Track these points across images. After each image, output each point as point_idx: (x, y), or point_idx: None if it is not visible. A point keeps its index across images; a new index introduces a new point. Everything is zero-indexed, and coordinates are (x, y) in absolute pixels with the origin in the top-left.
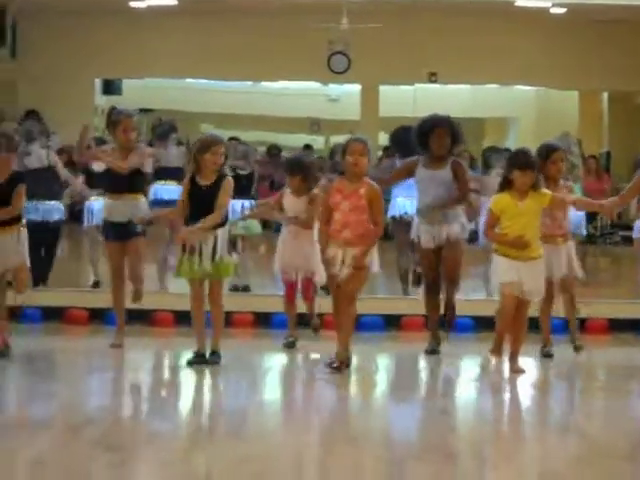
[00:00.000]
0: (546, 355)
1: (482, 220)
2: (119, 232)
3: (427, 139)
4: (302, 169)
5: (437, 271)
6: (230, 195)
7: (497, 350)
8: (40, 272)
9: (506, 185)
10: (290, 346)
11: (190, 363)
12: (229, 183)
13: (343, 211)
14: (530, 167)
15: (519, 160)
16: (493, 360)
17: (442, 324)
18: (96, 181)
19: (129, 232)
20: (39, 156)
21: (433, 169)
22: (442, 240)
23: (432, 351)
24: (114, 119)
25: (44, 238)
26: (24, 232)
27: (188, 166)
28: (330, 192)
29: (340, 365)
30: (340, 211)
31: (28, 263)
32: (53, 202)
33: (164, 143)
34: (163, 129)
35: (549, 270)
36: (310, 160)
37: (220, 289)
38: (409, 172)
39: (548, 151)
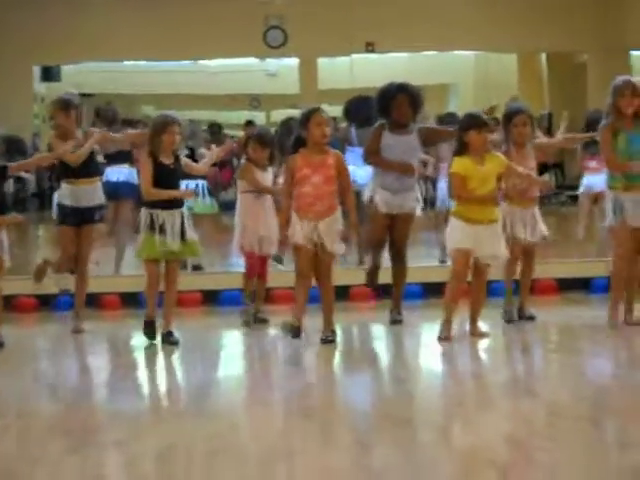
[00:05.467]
0: (529, 317)
1: (440, 186)
2: (77, 217)
3: (389, 107)
4: (270, 143)
5: (385, 236)
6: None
7: (448, 320)
8: None
9: (462, 148)
10: (248, 324)
11: (149, 335)
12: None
13: (315, 184)
14: (485, 126)
15: (474, 121)
16: (440, 331)
17: (392, 321)
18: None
19: (87, 218)
20: None
21: (399, 134)
22: (396, 209)
23: (371, 275)
24: (52, 106)
25: None
26: None
27: (144, 149)
28: (294, 166)
29: (332, 336)
30: (311, 184)
31: None
32: None
33: (112, 129)
34: (110, 115)
35: (519, 232)
36: (270, 136)
37: (178, 270)
38: (381, 137)
39: (511, 114)
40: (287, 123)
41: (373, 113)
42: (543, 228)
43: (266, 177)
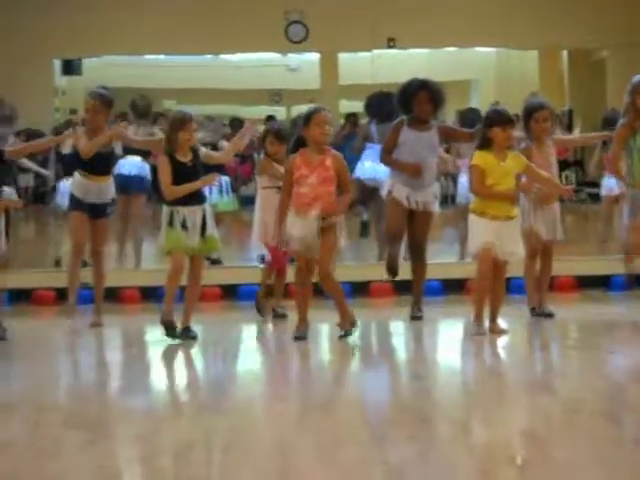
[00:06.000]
0: (548, 314)
1: (461, 181)
2: (89, 210)
3: (410, 103)
4: (286, 138)
5: (402, 227)
6: None
7: (479, 316)
8: None
9: (485, 143)
10: (282, 316)
11: (171, 336)
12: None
13: (312, 184)
14: (510, 123)
15: (499, 117)
16: (475, 328)
17: (412, 317)
18: (68, 162)
19: (99, 213)
20: (9, 142)
21: (419, 130)
22: (415, 205)
23: (392, 270)
24: (85, 101)
25: None
26: None
27: (161, 145)
28: (292, 167)
29: (351, 328)
30: (308, 185)
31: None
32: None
33: (142, 121)
34: (142, 109)
35: (539, 229)
36: (288, 131)
37: (203, 265)
38: (399, 133)
39: (532, 109)
40: (295, 122)
41: (394, 109)
42: (560, 229)
43: (281, 170)
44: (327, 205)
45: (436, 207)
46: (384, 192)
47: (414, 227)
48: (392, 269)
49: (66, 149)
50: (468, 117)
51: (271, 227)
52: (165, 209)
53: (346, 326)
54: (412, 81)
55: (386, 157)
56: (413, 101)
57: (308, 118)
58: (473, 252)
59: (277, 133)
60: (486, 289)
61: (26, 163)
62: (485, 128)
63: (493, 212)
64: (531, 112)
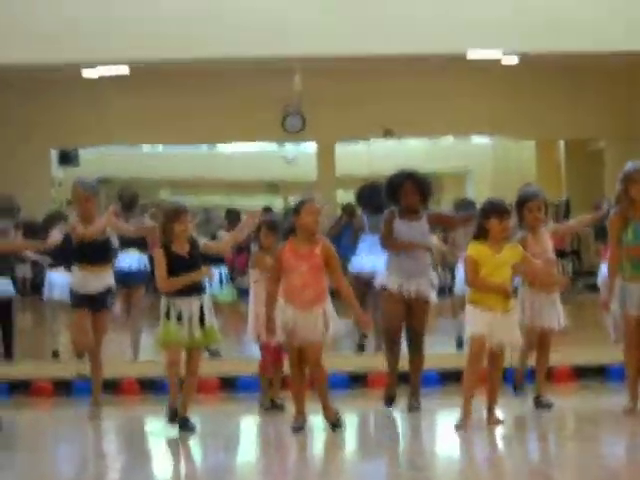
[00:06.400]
0: (546, 405)
1: (459, 273)
2: (89, 303)
3: (397, 194)
4: (278, 229)
5: (400, 323)
6: None
7: (466, 408)
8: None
9: (481, 234)
10: (268, 409)
11: (178, 424)
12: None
13: (301, 272)
14: (507, 214)
15: (495, 208)
16: (457, 421)
17: (409, 408)
18: (56, 253)
19: (99, 304)
20: (10, 234)
21: (409, 220)
22: (410, 295)
23: (390, 399)
24: (72, 191)
25: None
26: None
27: (156, 237)
28: (281, 255)
29: (337, 422)
30: (297, 273)
31: None
32: (2, 279)
33: (130, 213)
34: (127, 200)
35: (536, 320)
36: (281, 222)
37: (201, 357)
38: (392, 224)
39: (525, 199)
40: (288, 213)
41: (383, 200)
42: (562, 317)
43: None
44: (315, 295)
45: (433, 296)
46: (378, 284)
47: (411, 317)
48: (389, 397)
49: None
50: (463, 208)
51: (262, 321)
52: (163, 301)
53: (332, 418)
54: (398, 173)
55: (388, 241)
56: (400, 192)
57: (298, 208)
58: (466, 335)
59: (271, 225)
60: (474, 377)
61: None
62: (481, 219)
63: (489, 303)
64: (524, 202)
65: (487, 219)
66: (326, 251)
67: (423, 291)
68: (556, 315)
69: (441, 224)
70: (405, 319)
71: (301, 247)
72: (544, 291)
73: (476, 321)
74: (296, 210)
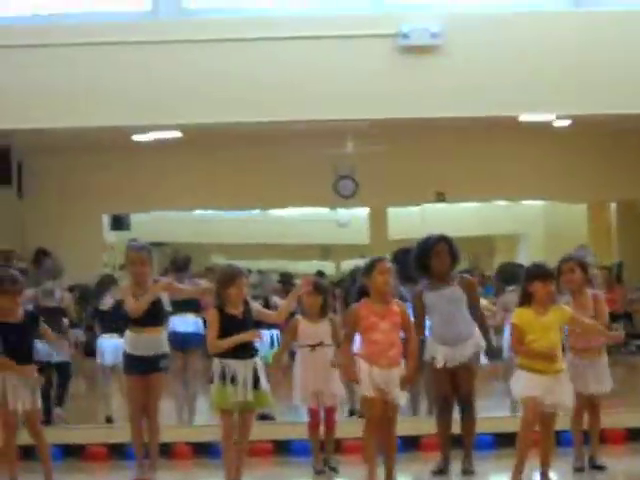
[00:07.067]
0: (577, 470)
1: (505, 336)
2: (142, 366)
3: (428, 259)
4: (324, 291)
5: (450, 390)
6: None
7: (518, 468)
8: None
9: (526, 299)
10: (321, 473)
11: None
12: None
13: (384, 331)
14: (550, 277)
15: (539, 271)
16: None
17: (463, 466)
18: (107, 319)
19: (153, 367)
20: (56, 295)
21: (438, 289)
22: (456, 361)
23: (439, 471)
24: (126, 254)
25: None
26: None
27: (212, 299)
28: (359, 315)
29: None
30: (380, 331)
31: (39, 405)
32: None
33: (183, 275)
34: (181, 262)
35: (586, 384)
36: (326, 284)
37: (253, 421)
38: (422, 302)
39: (559, 262)
40: (354, 273)
41: (411, 268)
42: (609, 381)
43: (319, 329)
44: (397, 353)
45: (480, 359)
46: (427, 356)
47: (459, 383)
48: (438, 470)
49: (104, 306)
50: (507, 271)
51: (303, 387)
52: (215, 363)
53: None
54: (426, 238)
55: (418, 331)
56: (430, 257)
57: (371, 267)
58: (516, 398)
59: (314, 284)
60: (528, 440)
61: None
62: (525, 283)
63: (538, 367)
64: (559, 265)
65: (531, 282)
66: (403, 309)
67: (466, 356)
68: (602, 379)
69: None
70: (453, 386)
71: (378, 306)
72: (587, 356)
73: (527, 384)
74: (367, 270)
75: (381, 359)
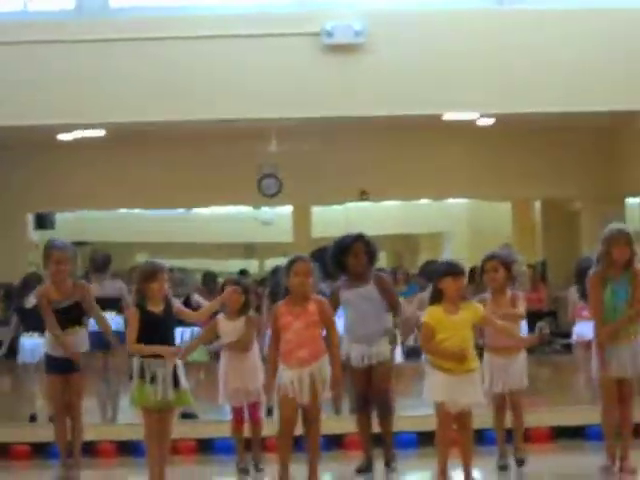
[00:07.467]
0: (501, 468)
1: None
2: (62, 366)
3: (344, 258)
4: (245, 290)
5: (367, 388)
6: None
7: (443, 472)
8: None
9: (437, 297)
10: (245, 472)
11: None
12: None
13: (296, 330)
14: (460, 273)
15: (449, 267)
16: None
17: (386, 464)
18: (30, 318)
19: (72, 366)
20: None
21: (355, 287)
22: (371, 359)
23: (363, 469)
24: (48, 253)
25: None
26: None
27: (131, 296)
28: (277, 315)
29: None
30: (292, 331)
31: None
32: None
33: (102, 275)
34: (100, 262)
35: (503, 383)
36: (248, 283)
37: (173, 419)
38: (338, 300)
39: (483, 261)
40: (275, 272)
41: (329, 267)
42: (525, 378)
43: (237, 326)
44: (311, 353)
45: (395, 357)
46: (342, 354)
47: (373, 380)
48: (365, 467)
49: (28, 304)
50: (431, 269)
51: (231, 387)
52: (136, 361)
53: None
54: (343, 237)
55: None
56: (347, 255)
57: (288, 268)
58: (428, 401)
59: (235, 283)
60: (446, 440)
61: None
62: (437, 279)
63: (447, 366)
64: (482, 263)
65: (441, 279)
66: (320, 305)
67: (380, 353)
68: (518, 377)
69: (383, 295)
70: (369, 383)
71: (295, 305)
72: (502, 355)
73: (436, 387)
74: (286, 270)
75: (291, 359)
